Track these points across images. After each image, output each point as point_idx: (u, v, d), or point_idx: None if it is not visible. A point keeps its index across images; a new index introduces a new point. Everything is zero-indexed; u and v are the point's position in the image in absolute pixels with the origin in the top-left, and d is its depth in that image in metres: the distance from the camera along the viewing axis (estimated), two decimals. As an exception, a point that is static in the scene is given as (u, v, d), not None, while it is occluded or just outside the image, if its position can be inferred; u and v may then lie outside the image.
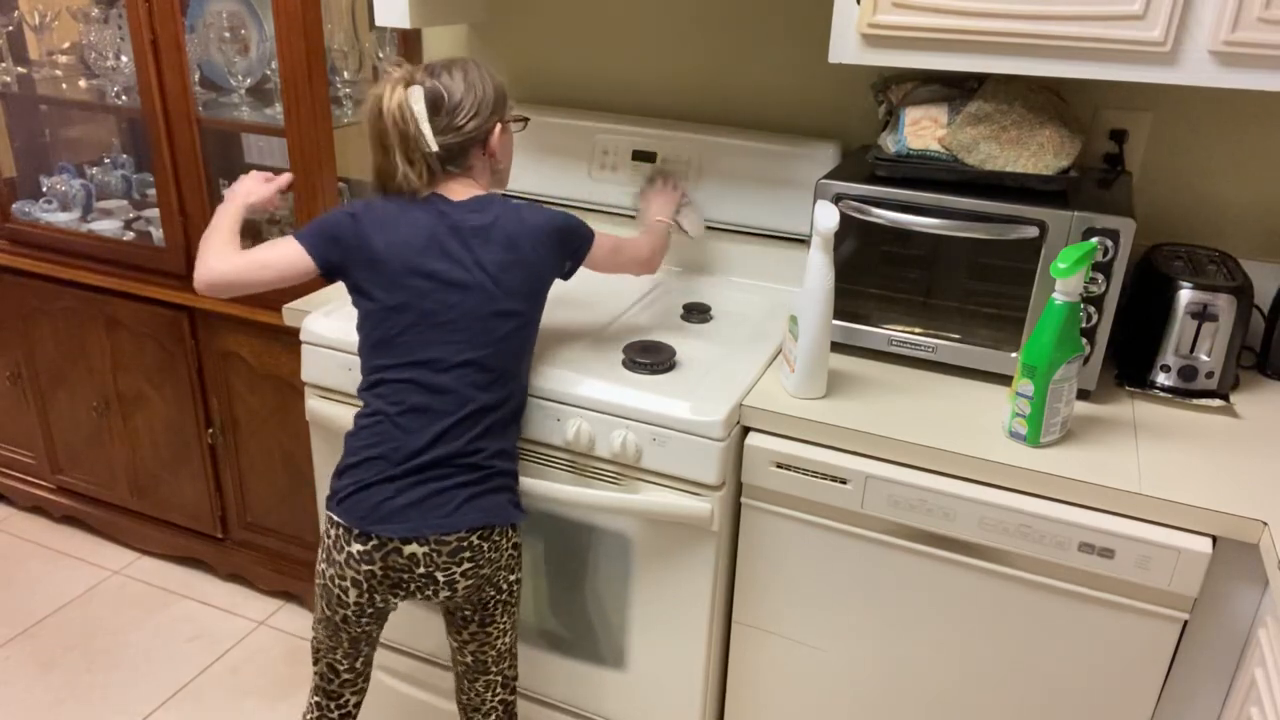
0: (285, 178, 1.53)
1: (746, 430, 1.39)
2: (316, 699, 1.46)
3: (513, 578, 1.39)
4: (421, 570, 1.29)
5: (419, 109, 1.29)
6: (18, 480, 2.59)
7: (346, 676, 1.43)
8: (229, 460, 2.21)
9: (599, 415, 1.40)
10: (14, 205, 2.32)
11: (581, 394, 1.40)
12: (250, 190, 1.50)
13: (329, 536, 1.32)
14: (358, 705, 1.49)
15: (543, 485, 1.43)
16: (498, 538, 1.33)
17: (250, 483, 2.20)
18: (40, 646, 2.15)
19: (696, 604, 1.45)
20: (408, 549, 1.27)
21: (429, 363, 1.28)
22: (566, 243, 1.40)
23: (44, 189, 2.37)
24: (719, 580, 1.45)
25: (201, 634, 2.21)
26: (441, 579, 1.30)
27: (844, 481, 1.32)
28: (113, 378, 2.26)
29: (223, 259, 1.34)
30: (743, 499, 1.41)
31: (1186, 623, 1.21)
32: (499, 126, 1.37)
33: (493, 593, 1.37)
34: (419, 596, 1.33)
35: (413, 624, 1.71)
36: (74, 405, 2.36)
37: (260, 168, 2.34)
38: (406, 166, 1.31)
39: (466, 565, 1.30)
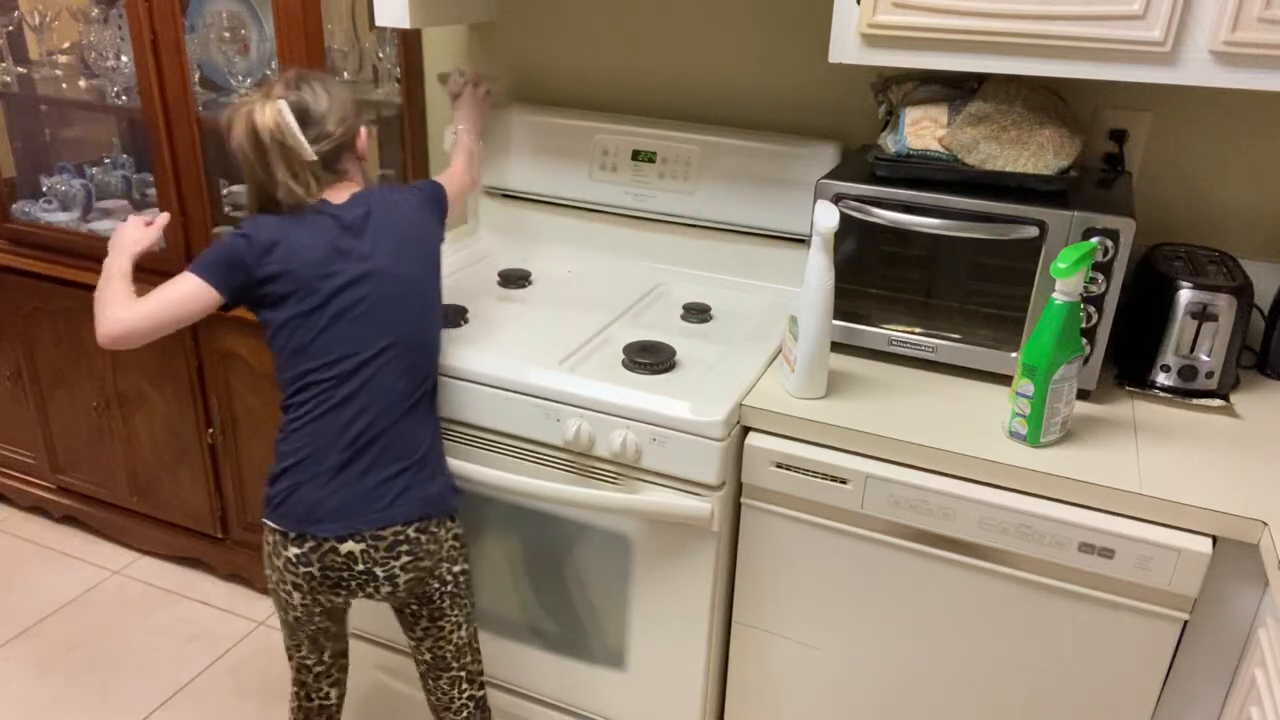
0: (163, 218, 1.53)
1: (746, 430, 1.39)
2: (295, 689, 1.50)
3: (457, 569, 1.41)
4: (360, 568, 1.30)
5: (290, 121, 1.32)
6: (18, 480, 2.59)
7: (319, 670, 1.47)
8: (229, 460, 2.21)
9: (599, 415, 1.40)
10: (14, 205, 2.32)
11: (581, 394, 1.40)
12: (137, 239, 1.47)
13: (268, 543, 1.34)
14: (340, 697, 1.53)
15: (543, 485, 1.43)
16: (435, 529, 1.34)
17: (250, 483, 2.21)
18: (40, 646, 2.15)
19: (696, 604, 1.45)
20: (344, 547, 1.28)
21: (349, 357, 1.31)
22: (437, 205, 1.49)
23: (44, 189, 2.37)
24: (719, 580, 1.45)
25: (201, 634, 2.21)
26: (381, 574, 1.31)
27: (844, 481, 1.32)
28: (113, 378, 2.26)
29: (125, 308, 1.31)
30: (743, 499, 1.41)
31: (1186, 623, 1.21)
32: (363, 130, 1.44)
33: (437, 585, 1.38)
34: (361, 595, 1.34)
35: (413, 624, 1.71)
36: (74, 405, 2.36)
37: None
38: (291, 180, 1.34)
39: (405, 559, 1.32)
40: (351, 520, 1.28)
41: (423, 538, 1.33)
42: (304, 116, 1.34)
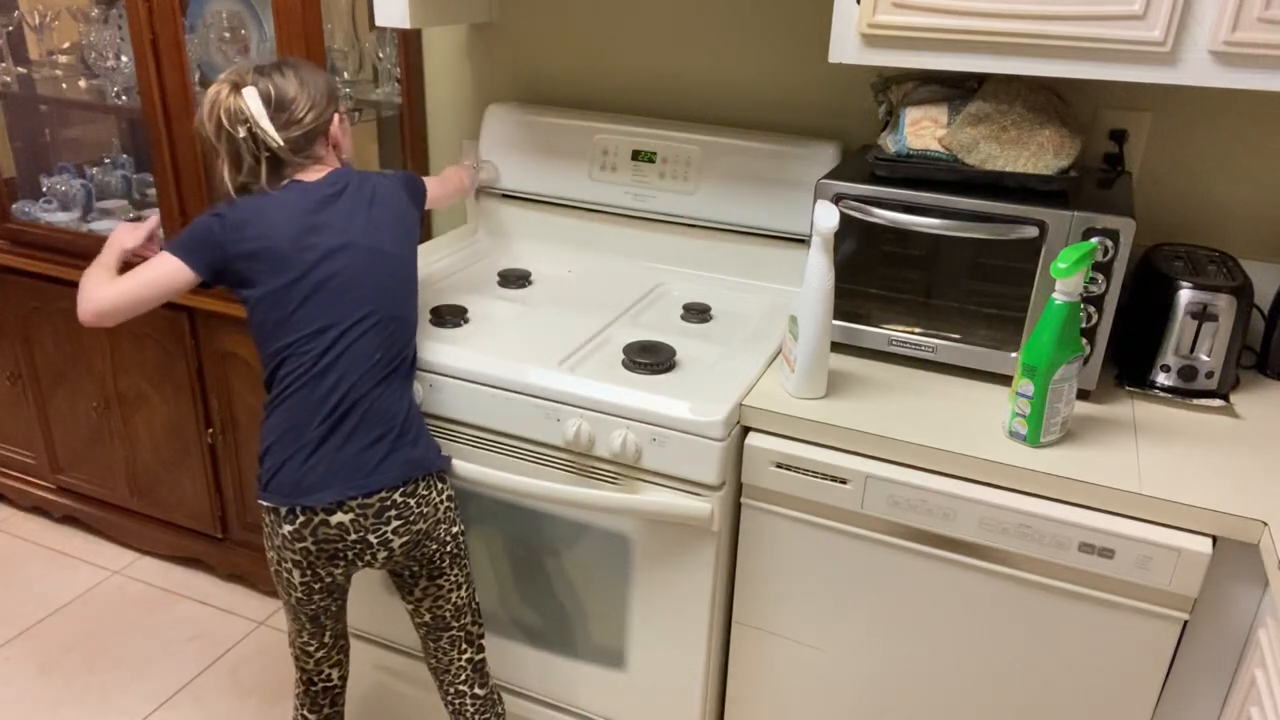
0: (154, 220, 1.56)
1: (746, 430, 1.39)
2: (299, 675, 1.53)
3: (455, 529, 1.42)
4: (353, 537, 1.31)
5: (255, 107, 1.33)
6: (18, 480, 2.59)
7: (320, 654, 1.50)
8: (229, 460, 2.21)
9: (599, 415, 1.40)
10: (14, 205, 2.32)
11: (581, 394, 1.40)
12: (128, 238, 1.50)
13: (265, 523, 1.36)
14: (343, 679, 1.55)
15: (543, 485, 1.43)
16: (425, 491, 1.36)
17: (250, 483, 2.20)
18: (40, 647, 2.15)
19: (696, 604, 1.45)
20: (334, 519, 1.30)
21: (328, 328, 1.32)
22: (412, 190, 1.53)
23: (44, 189, 2.37)
24: (719, 580, 1.45)
25: (201, 634, 2.21)
26: (374, 541, 1.32)
27: (844, 481, 1.32)
28: (113, 378, 2.26)
29: (104, 288, 1.35)
30: (743, 499, 1.41)
31: (1186, 623, 1.21)
32: (336, 117, 1.44)
33: (435, 547, 1.40)
34: (360, 564, 1.35)
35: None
36: (74, 405, 2.36)
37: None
38: (256, 164, 1.37)
39: (396, 523, 1.33)
40: (338, 490, 1.29)
41: (411, 501, 1.34)
42: (273, 103, 1.35)
